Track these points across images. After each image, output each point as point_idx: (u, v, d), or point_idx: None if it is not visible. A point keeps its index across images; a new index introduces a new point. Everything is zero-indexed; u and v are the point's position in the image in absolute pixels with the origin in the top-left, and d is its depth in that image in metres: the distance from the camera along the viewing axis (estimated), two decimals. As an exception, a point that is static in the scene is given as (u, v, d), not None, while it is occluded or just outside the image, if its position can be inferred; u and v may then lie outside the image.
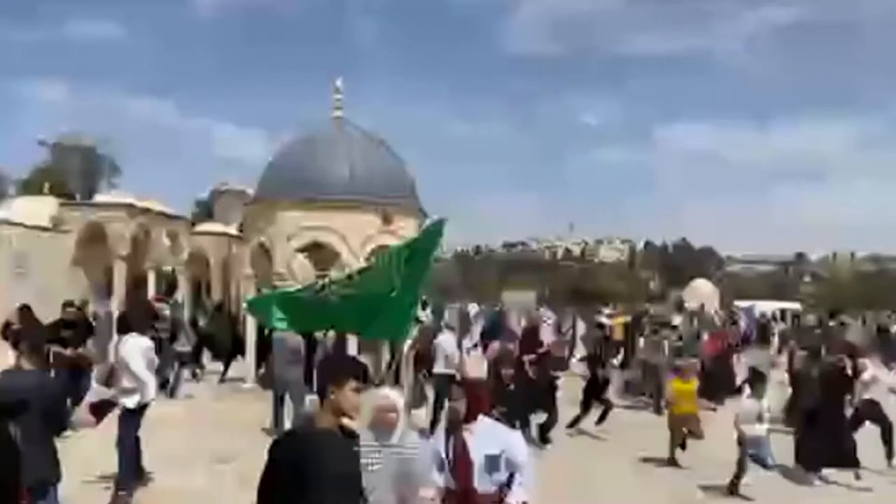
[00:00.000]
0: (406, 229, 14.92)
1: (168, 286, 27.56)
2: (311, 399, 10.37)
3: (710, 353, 14.98)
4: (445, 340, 11.28)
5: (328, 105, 16.06)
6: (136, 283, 24.94)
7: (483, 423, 4.20)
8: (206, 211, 43.82)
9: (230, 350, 16.11)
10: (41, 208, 25.40)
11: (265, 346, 14.07)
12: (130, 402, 7.25)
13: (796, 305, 55.43)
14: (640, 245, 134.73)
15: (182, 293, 27.31)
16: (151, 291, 25.19)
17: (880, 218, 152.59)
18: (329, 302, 5.55)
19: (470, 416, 4.15)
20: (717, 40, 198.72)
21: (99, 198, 28.58)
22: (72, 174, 41.93)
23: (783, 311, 44.02)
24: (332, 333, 15.20)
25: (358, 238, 14.46)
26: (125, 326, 7.75)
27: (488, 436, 4.17)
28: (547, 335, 15.90)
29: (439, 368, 11.08)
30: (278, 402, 10.75)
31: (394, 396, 4.00)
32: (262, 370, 14.69)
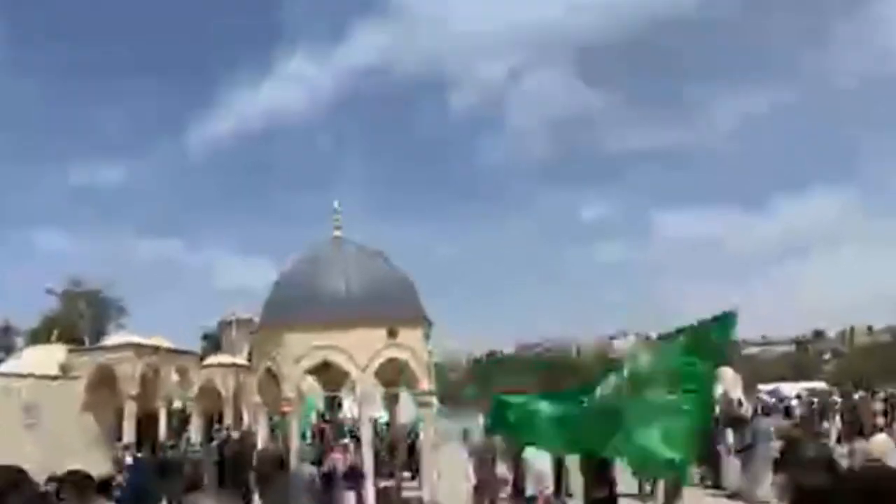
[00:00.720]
0: (412, 340, 14.83)
1: (180, 423, 27.17)
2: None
3: None
4: (535, 455, 9.70)
5: (328, 226, 16.38)
6: (147, 422, 24.59)
7: None
8: (214, 343, 43.94)
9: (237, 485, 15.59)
10: (50, 357, 25.42)
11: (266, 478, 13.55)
12: None
13: (821, 385, 54.11)
14: (654, 335, 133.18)
15: (194, 429, 26.89)
16: (162, 429, 24.81)
17: (894, 288, 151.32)
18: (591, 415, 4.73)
19: None
20: (700, 130, 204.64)
21: (107, 340, 28.69)
22: (80, 320, 42.29)
23: (811, 392, 42.90)
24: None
25: (365, 354, 14.34)
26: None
27: None
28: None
29: (530, 490, 9.81)
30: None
31: None
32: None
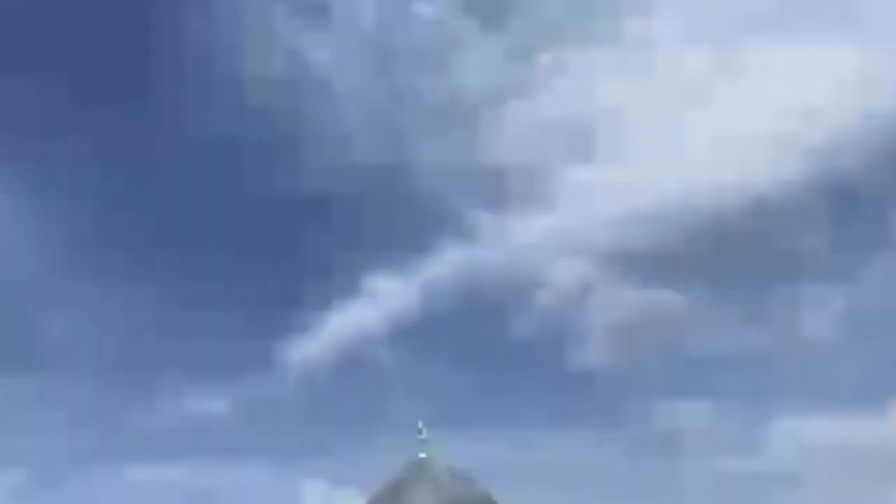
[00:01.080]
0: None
1: None
2: None
3: None
4: None
5: (413, 447, 16.57)
6: None
7: None
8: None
9: None
10: None
11: None
12: None
13: None
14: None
15: None
16: None
17: None
18: None
19: None
20: (799, 328, 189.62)
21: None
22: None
23: None
24: None
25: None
26: None
27: None
28: None
29: None
30: None
31: None
32: None
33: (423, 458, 16.25)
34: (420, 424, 17.00)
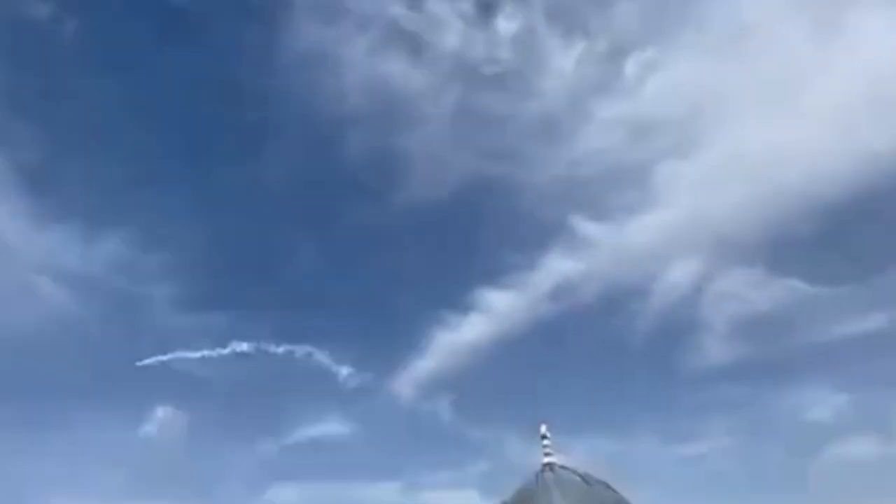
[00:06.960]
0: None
1: None
2: None
3: None
4: None
5: (536, 452, 16.26)
6: None
7: None
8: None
9: None
10: None
11: None
12: None
13: None
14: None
15: None
16: None
17: None
18: None
19: None
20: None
21: None
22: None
23: None
24: None
25: None
26: None
27: None
28: None
29: None
30: None
31: None
32: None
33: (548, 462, 15.89)
34: (543, 428, 16.67)
